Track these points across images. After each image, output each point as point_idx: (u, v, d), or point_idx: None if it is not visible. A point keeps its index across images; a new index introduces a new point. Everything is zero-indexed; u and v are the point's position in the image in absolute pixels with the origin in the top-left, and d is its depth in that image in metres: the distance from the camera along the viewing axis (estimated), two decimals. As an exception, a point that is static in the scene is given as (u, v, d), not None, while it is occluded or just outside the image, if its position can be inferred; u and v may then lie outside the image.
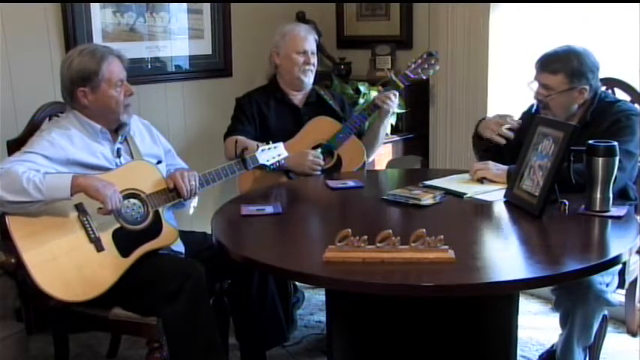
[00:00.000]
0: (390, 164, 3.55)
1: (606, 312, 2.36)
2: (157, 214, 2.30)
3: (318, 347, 2.91)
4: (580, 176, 2.17)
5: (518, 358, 2.35)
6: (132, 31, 3.27)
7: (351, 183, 2.60)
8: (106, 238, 2.17)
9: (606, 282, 2.24)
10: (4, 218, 2.09)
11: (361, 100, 3.40)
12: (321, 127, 2.96)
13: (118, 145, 2.37)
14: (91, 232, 2.15)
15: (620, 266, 2.27)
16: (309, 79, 3.03)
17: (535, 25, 3.29)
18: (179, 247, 2.45)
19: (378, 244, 1.79)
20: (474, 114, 3.41)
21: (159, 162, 2.49)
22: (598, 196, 2.13)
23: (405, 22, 3.77)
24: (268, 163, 2.55)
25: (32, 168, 2.10)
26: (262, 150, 2.54)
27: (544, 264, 1.79)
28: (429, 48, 3.54)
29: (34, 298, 2.21)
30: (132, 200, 2.26)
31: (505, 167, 2.46)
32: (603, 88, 2.71)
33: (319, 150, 2.92)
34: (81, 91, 2.28)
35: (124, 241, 2.20)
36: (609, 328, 2.56)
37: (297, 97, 3.07)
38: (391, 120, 3.46)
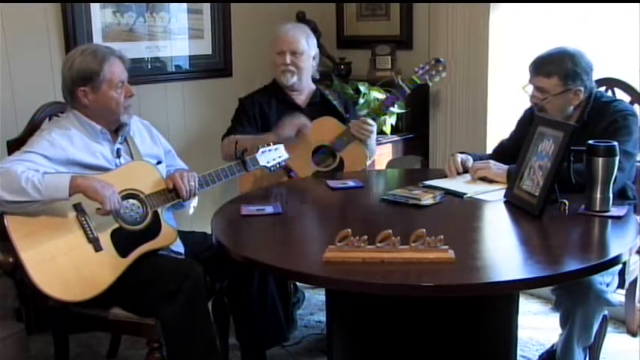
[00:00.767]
0: (390, 164, 3.55)
1: (606, 312, 2.36)
2: (156, 215, 2.30)
3: (318, 347, 2.91)
4: (580, 176, 2.17)
5: (518, 358, 2.34)
6: (132, 31, 3.27)
7: (351, 183, 2.60)
8: (105, 238, 2.17)
9: (606, 282, 2.24)
10: (2, 218, 2.09)
11: (361, 100, 3.39)
12: (325, 128, 2.92)
13: (117, 146, 2.37)
14: (89, 232, 2.15)
15: (620, 266, 2.26)
16: (289, 80, 2.94)
17: (535, 25, 3.29)
18: (179, 247, 2.45)
19: (378, 244, 1.78)
20: (474, 114, 3.42)
21: (159, 162, 2.48)
22: (598, 196, 2.13)
23: (405, 22, 3.77)
24: (269, 165, 2.54)
25: (31, 168, 2.09)
26: (263, 151, 2.53)
27: (544, 264, 1.79)
28: (429, 48, 3.55)
29: (33, 298, 2.21)
30: (131, 200, 2.26)
31: (505, 167, 2.46)
32: (603, 88, 2.72)
33: (321, 152, 2.91)
34: (81, 90, 2.27)
35: (123, 242, 2.20)
36: (609, 328, 2.56)
37: (300, 98, 3.03)
38: (391, 120, 3.47)
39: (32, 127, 2.38)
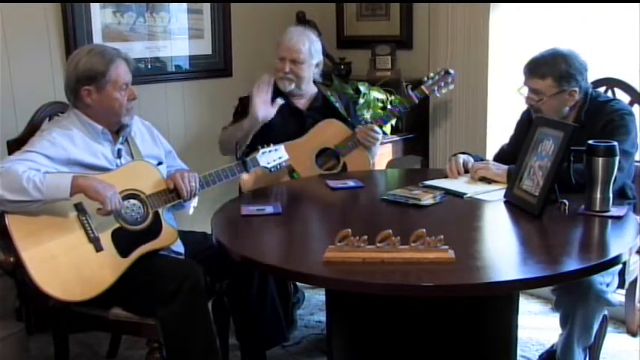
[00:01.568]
0: (390, 164, 3.55)
1: (606, 312, 2.36)
2: (156, 215, 2.30)
3: (318, 347, 2.91)
4: (580, 176, 2.17)
5: (518, 358, 2.34)
6: (132, 31, 3.27)
7: (351, 183, 2.60)
8: (105, 238, 2.17)
9: (606, 282, 2.24)
10: (3, 217, 2.09)
11: (361, 100, 3.39)
12: (331, 131, 2.92)
13: (118, 146, 2.37)
14: (90, 232, 2.15)
15: (620, 266, 2.27)
16: (286, 87, 2.93)
17: (535, 25, 3.29)
18: (179, 247, 2.45)
19: (378, 244, 1.79)
20: (473, 114, 3.42)
21: (159, 163, 2.48)
22: (598, 196, 2.13)
23: (405, 22, 3.77)
24: (269, 166, 2.54)
25: (32, 167, 2.10)
26: (263, 152, 2.52)
27: (544, 264, 1.79)
28: (429, 48, 3.55)
29: (34, 297, 2.21)
30: (132, 201, 2.26)
31: (505, 167, 2.47)
32: (603, 89, 2.72)
33: (325, 154, 2.91)
34: (85, 89, 2.27)
35: (124, 242, 2.20)
36: (609, 328, 2.56)
37: (301, 101, 3.02)
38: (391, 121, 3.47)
39: (32, 127, 2.38)
